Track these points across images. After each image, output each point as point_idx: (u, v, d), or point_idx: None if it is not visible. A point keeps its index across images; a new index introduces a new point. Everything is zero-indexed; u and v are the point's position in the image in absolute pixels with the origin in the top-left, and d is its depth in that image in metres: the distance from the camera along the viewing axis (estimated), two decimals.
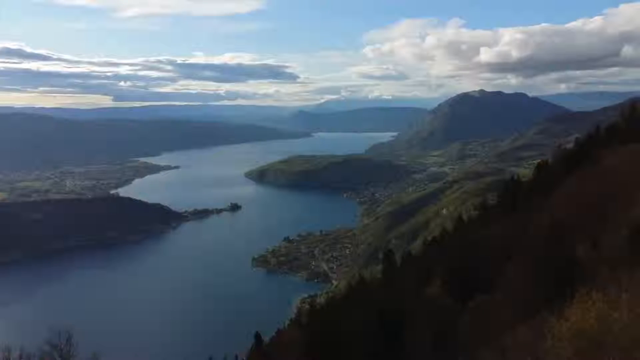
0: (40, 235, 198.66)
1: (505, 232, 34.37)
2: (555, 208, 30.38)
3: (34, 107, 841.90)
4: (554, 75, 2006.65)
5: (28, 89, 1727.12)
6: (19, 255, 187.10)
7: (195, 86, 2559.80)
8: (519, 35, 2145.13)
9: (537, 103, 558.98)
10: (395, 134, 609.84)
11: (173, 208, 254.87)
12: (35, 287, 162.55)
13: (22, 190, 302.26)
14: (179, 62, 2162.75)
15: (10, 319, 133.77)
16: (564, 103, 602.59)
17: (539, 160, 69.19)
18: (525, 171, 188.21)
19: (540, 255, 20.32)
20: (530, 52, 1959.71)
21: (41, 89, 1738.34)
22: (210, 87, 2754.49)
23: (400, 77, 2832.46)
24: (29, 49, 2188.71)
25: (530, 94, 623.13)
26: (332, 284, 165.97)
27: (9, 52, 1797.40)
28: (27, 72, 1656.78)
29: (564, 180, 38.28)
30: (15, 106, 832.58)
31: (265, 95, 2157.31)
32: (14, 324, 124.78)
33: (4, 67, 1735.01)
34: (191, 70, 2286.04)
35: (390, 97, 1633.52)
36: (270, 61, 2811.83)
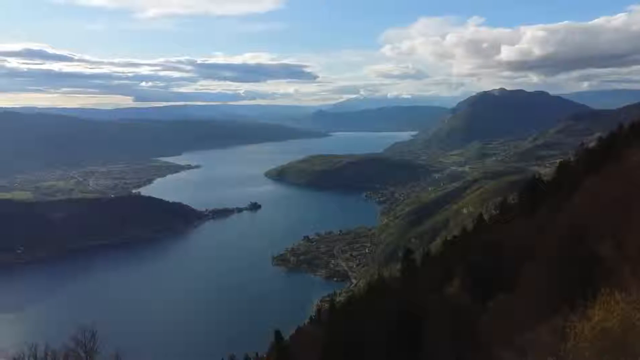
0: (64, 234, 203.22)
1: (527, 231, 34.00)
2: (578, 207, 29.94)
3: (56, 108, 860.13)
4: (576, 73, 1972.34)
5: (51, 90, 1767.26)
6: (44, 254, 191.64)
7: (215, 86, 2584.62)
8: (540, 33, 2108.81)
9: (559, 101, 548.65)
10: (414, 133, 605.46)
11: (194, 207, 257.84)
12: (60, 285, 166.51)
13: (46, 189, 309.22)
14: (199, 62, 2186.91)
15: (36, 316, 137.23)
16: (586, 101, 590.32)
17: (561, 160, 68.10)
18: (546, 170, 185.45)
19: (562, 254, 20.11)
20: (552, 50, 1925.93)
21: (64, 89, 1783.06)
22: (230, 87, 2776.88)
23: (420, 76, 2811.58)
24: (51, 50, 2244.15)
25: (551, 93, 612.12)
26: (352, 282, 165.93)
27: (31, 53, 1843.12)
28: (49, 73, 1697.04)
29: (587, 179, 37.65)
30: (39, 107, 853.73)
31: (284, 95, 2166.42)
32: (40, 321, 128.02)
33: (27, 68, 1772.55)
34: (211, 71, 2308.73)
35: (409, 96, 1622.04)
36: (289, 61, 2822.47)
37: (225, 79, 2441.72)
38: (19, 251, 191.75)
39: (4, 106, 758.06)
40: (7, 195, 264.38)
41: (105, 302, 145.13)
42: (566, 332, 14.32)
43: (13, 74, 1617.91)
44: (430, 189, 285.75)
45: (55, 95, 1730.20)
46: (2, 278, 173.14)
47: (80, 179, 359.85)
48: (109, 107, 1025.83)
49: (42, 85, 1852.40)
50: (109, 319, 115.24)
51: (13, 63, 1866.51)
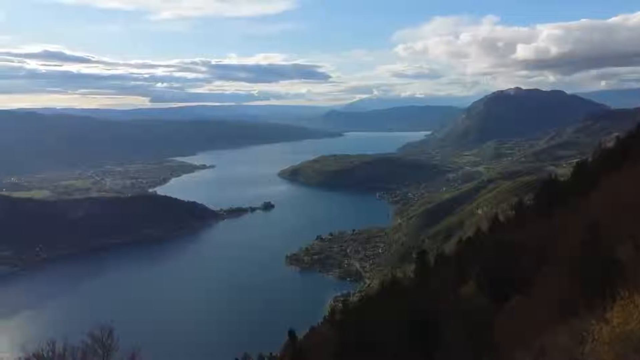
0: (82, 232, 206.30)
1: (543, 232, 33.64)
2: (596, 208, 29.55)
3: (75, 108, 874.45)
4: (593, 71, 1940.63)
5: (69, 91, 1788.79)
6: (62, 252, 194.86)
7: (229, 87, 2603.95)
8: (557, 31, 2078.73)
9: (576, 100, 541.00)
10: (428, 133, 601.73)
11: (209, 206, 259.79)
12: (78, 283, 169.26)
13: (65, 188, 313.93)
14: (213, 63, 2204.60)
15: (55, 313, 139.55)
16: (604, 100, 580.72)
17: (578, 160, 67.15)
18: (563, 170, 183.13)
19: (580, 255, 19.88)
20: (569, 49, 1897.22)
21: (82, 90, 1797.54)
22: (244, 87, 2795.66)
23: (434, 75, 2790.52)
24: (68, 52, 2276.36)
25: (568, 92, 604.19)
26: (365, 283, 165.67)
27: (50, 55, 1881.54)
28: (67, 74, 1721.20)
29: (605, 179, 37.11)
30: (57, 107, 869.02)
31: (297, 95, 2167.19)
32: (58, 318, 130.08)
33: (45, 69, 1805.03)
34: (225, 71, 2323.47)
35: (423, 96, 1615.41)
36: (302, 61, 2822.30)
37: (239, 79, 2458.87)
38: (38, 249, 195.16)
39: (25, 107, 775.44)
40: (26, 194, 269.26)
41: (121, 300, 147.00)
42: (584, 335, 14.17)
43: (33, 75, 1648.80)
44: (444, 189, 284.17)
45: (73, 96, 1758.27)
46: (22, 275, 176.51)
47: (98, 178, 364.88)
48: (126, 108, 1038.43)
49: (61, 86, 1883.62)
50: (125, 316, 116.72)
51: (32, 65, 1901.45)
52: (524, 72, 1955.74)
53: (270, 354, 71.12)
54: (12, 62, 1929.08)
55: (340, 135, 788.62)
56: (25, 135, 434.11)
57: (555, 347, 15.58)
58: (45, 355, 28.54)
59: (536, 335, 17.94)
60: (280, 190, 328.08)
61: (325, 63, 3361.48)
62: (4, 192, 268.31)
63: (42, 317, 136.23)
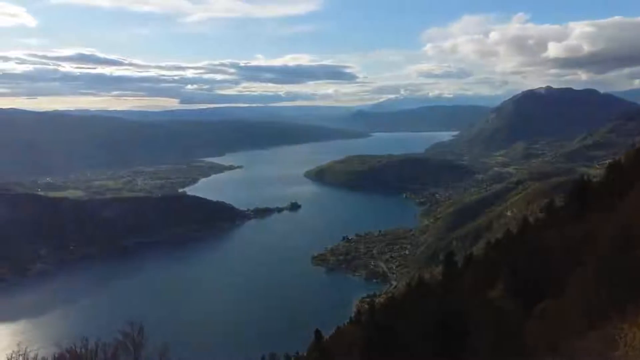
0: (114, 231, 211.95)
1: (574, 234, 32.85)
2: (630, 210, 28.69)
3: (107, 110, 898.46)
4: (627, 70, 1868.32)
5: (102, 93, 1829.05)
6: (95, 250, 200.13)
7: (256, 88, 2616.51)
8: (590, 29, 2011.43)
9: (610, 99, 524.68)
10: (456, 133, 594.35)
11: (236, 206, 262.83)
12: (110, 281, 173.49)
13: (97, 188, 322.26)
14: (241, 64, 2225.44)
15: (88, 309, 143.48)
16: (638, 99, 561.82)
17: (611, 160, 65.14)
18: (596, 171, 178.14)
19: (613, 258, 19.37)
20: (602, 46, 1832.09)
21: (114, 92, 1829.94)
22: (271, 88, 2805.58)
23: (462, 74, 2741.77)
24: (101, 55, 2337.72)
25: (601, 90, 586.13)
26: (392, 284, 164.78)
27: (83, 58, 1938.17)
28: (100, 76, 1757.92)
29: (639, 181, 35.97)
30: (91, 109, 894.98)
31: (324, 96, 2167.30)
32: (90, 315, 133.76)
33: (80, 72, 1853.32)
34: (253, 73, 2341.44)
35: (451, 96, 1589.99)
36: (329, 62, 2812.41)
37: (266, 80, 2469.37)
38: (72, 248, 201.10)
39: (59, 109, 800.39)
40: (61, 194, 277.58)
41: (151, 298, 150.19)
42: (616, 339, 13.84)
43: (67, 78, 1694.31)
44: (472, 190, 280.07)
45: (106, 98, 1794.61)
46: (56, 274, 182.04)
47: (129, 179, 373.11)
48: (157, 109, 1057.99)
49: (94, 88, 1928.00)
50: (154, 314, 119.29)
51: (67, 68, 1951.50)
52: (555, 71, 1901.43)
53: (297, 353, 71.47)
54: (48, 65, 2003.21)
55: (367, 135, 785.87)
56: (60, 137, 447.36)
57: (586, 352, 15.25)
58: (78, 351, 29.46)
59: (567, 340, 17.58)
60: (307, 190, 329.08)
61: (352, 63, 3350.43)
62: (40, 192, 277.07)
63: (74, 314, 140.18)
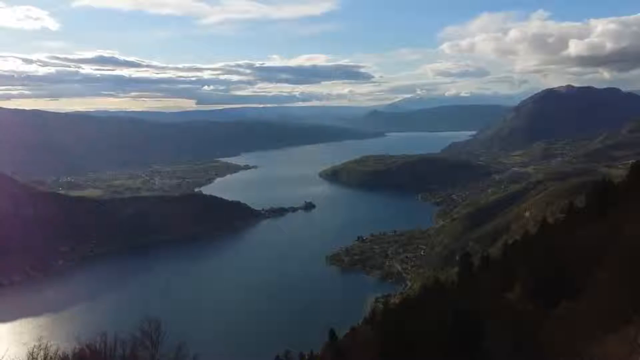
0: (132, 229, 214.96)
1: (595, 236, 32.31)
2: None
3: (126, 111, 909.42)
4: None
5: (120, 94, 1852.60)
6: (113, 248, 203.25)
7: (271, 88, 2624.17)
8: (612, 26, 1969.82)
9: (632, 98, 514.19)
10: (473, 132, 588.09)
11: (252, 206, 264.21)
12: (128, 278, 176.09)
13: (116, 188, 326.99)
14: (256, 65, 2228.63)
15: (106, 306, 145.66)
16: None
17: (634, 161, 63.67)
18: (618, 172, 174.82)
19: (634, 261, 19.01)
20: (625, 44, 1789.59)
21: (132, 93, 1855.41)
22: (286, 89, 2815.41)
23: (480, 73, 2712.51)
24: (121, 57, 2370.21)
25: (624, 89, 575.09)
26: (406, 284, 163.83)
27: (103, 60, 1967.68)
28: (119, 78, 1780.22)
29: None
30: (110, 110, 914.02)
31: (340, 96, 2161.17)
32: (109, 311, 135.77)
33: (100, 74, 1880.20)
34: (268, 74, 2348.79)
35: (468, 95, 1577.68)
36: (344, 62, 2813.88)
37: (281, 81, 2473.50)
38: (92, 245, 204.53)
39: (80, 110, 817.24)
40: (81, 193, 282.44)
41: (168, 296, 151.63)
42: (636, 344, 13.60)
43: (87, 79, 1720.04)
44: (490, 190, 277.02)
45: (124, 99, 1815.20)
46: (76, 271, 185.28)
47: (147, 178, 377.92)
48: (174, 110, 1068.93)
49: (113, 90, 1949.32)
50: (171, 311, 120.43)
51: (87, 69, 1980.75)
52: (576, 69, 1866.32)
53: (311, 352, 71.47)
54: (69, 67, 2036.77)
55: (382, 135, 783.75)
56: (80, 137, 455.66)
57: (605, 356, 15.02)
58: (97, 346, 30.02)
59: (586, 344, 17.32)
60: (321, 190, 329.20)
61: (367, 63, 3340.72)
62: (61, 191, 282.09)
63: (94, 310, 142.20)
